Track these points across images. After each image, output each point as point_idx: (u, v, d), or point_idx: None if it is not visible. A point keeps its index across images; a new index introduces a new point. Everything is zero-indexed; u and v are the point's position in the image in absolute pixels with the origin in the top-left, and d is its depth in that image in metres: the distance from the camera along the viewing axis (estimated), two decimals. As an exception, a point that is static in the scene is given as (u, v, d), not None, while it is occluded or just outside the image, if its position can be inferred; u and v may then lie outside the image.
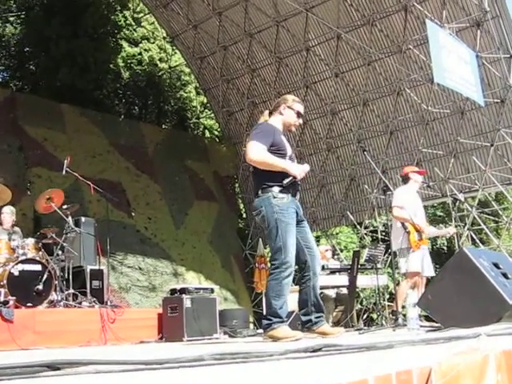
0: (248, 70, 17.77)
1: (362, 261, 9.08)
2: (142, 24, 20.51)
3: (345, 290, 9.04)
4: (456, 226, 16.09)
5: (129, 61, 19.45)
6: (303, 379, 1.56)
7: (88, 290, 7.52)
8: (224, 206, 17.68)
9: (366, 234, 18.69)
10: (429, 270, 7.20)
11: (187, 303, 7.00)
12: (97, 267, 8.15)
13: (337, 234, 21.07)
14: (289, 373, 1.71)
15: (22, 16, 18.15)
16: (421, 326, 5.14)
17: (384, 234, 18.25)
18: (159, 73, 19.90)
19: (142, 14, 19.98)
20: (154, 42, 20.31)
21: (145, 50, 19.90)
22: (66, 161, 7.87)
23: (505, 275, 4.44)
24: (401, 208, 6.99)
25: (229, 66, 18.21)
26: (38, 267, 6.69)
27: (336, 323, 8.41)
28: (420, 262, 7.00)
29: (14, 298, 6.16)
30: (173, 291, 7.46)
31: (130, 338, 6.73)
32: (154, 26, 20.20)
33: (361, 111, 16.55)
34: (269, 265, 16.22)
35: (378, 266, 9.05)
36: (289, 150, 4.72)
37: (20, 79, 18.58)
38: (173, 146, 16.72)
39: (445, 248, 24.56)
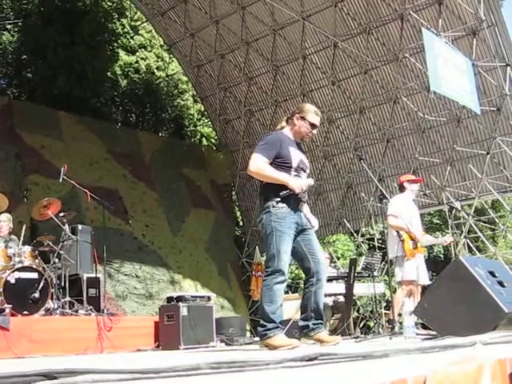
0: (245, 78, 17.81)
1: (358, 269, 9.09)
2: (140, 32, 20.53)
3: (342, 298, 9.04)
4: (452, 234, 16.12)
5: (126, 69, 19.47)
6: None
7: (84, 298, 7.51)
8: (221, 214, 17.67)
9: (362, 241, 18.69)
10: (424, 279, 7.22)
11: (184, 311, 6.99)
12: (93, 275, 8.14)
13: (334, 241, 21.07)
14: (285, 382, 1.71)
15: (19, 24, 18.17)
16: (417, 334, 5.16)
17: (381, 241, 18.28)
18: (156, 81, 19.93)
19: (139, 23, 20.00)
20: (151, 51, 20.34)
21: (142, 58, 19.93)
22: (62, 169, 7.88)
23: (501, 283, 4.45)
24: (396, 217, 7.01)
25: (226, 74, 18.25)
26: (35, 275, 6.69)
27: (333, 331, 8.41)
28: (415, 271, 7.03)
29: (11, 305, 6.15)
30: (169, 299, 7.44)
31: (126, 346, 6.72)
32: (152, 34, 20.23)
33: (357, 119, 16.58)
34: (265, 272, 16.24)
35: (375, 273, 9.07)
36: (295, 162, 4.71)
37: (17, 87, 18.58)
38: (170, 153, 16.74)
39: (441, 256, 24.56)
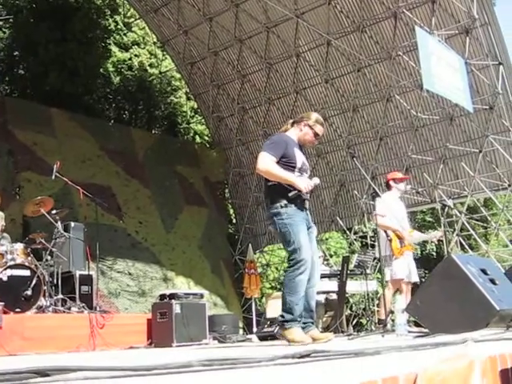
0: (238, 75, 17.80)
1: (351, 266, 9.11)
2: (133, 29, 20.47)
3: (334, 296, 9.06)
4: (445, 232, 16.16)
5: (119, 66, 19.40)
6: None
7: (77, 296, 7.50)
8: (214, 212, 17.67)
9: (355, 239, 18.72)
10: (414, 276, 7.25)
11: (177, 309, 7.00)
12: (86, 272, 8.12)
13: (326, 239, 21.09)
14: (277, 379, 1.72)
15: (11, 20, 18.07)
16: (409, 332, 5.17)
17: (373, 239, 18.29)
18: (150, 78, 19.88)
19: (132, 19, 19.94)
20: (144, 48, 20.28)
21: (135, 55, 19.87)
22: (55, 166, 7.87)
23: (492, 281, 4.48)
24: (383, 216, 6.99)
25: (219, 72, 18.23)
26: (27, 272, 6.67)
27: (325, 328, 8.43)
28: (403, 269, 7.04)
29: (3, 303, 6.12)
30: (162, 297, 7.44)
31: (119, 343, 6.71)
32: (145, 31, 20.17)
33: (350, 117, 16.60)
34: (258, 270, 16.25)
35: (368, 271, 9.08)
36: (299, 163, 4.88)
37: (9, 83, 18.49)
38: (163, 151, 16.70)
39: (434, 254, 24.65)
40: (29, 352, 5.66)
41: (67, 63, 16.63)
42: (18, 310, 6.40)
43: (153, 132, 19.94)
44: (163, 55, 19.77)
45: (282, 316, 4.65)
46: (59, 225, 7.72)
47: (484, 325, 4.06)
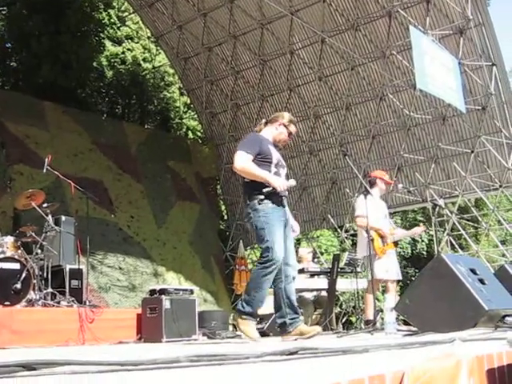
0: (232, 71, 17.78)
1: (341, 264, 9.12)
2: (127, 23, 20.40)
3: (324, 293, 9.06)
4: (436, 232, 16.24)
5: (112, 60, 19.34)
6: (279, 382, 1.57)
7: (67, 290, 7.47)
8: (205, 207, 17.66)
9: (346, 237, 18.77)
10: (397, 274, 7.27)
11: (166, 304, 6.98)
12: (76, 266, 8.09)
13: (317, 237, 21.11)
14: (265, 375, 1.72)
15: (4, 12, 17.96)
16: (398, 330, 5.19)
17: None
18: (143, 72, 19.83)
19: (126, 13, 19.88)
20: (138, 42, 20.22)
21: (128, 49, 19.81)
22: (46, 159, 7.83)
23: (481, 281, 4.50)
24: (363, 217, 6.87)
25: (213, 68, 18.20)
26: (17, 266, 6.65)
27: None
28: (385, 270, 7.03)
29: (-8, 296, 6.12)
30: (152, 292, 7.42)
31: (108, 338, 6.69)
32: (139, 25, 20.10)
33: (343, 115, 16.63)
34: (249, 267, 16.25)
35: (358, 269, 9.10)
36: (275, 159, 4.99)
37: (1, 76, 18.38)
38: (155, 146, 16.67)
39: (424, 253, 24.72)
40: (17, 345, 5.63)
41: (60, 56, 16.54)
42: (7, 303, 6.37)
43: (145, 127, 19.88)
44: (157, 50, 19.72)
45: (243, 306, 4.74)
46: (50, 218, 7.70)
47: (472, 324, 4.08)
